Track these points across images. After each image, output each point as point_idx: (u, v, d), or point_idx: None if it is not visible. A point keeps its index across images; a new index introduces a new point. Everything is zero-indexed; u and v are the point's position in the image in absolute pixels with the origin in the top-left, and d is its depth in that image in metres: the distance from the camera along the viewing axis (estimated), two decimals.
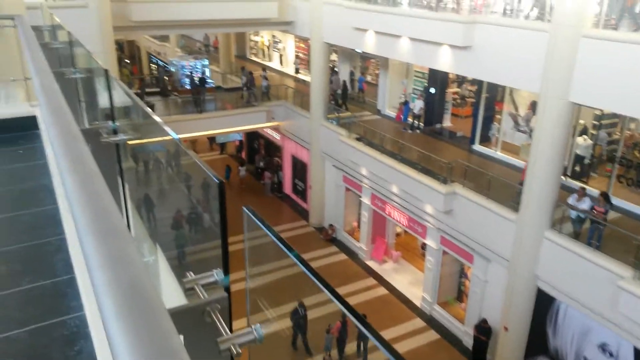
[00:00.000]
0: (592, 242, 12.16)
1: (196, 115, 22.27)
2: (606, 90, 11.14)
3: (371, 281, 19.47)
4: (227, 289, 1.44)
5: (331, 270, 19.56)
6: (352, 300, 16.09)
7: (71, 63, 4.81)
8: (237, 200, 23.60)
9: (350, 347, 15.09)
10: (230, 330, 1.33)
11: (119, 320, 0.81)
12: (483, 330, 14.84)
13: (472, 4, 15.41)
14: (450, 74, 20.69)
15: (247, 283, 1.71)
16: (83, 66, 4.62)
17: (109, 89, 3.06)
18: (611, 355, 12.21)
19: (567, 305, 12.99)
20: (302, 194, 25.12)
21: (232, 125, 23.61)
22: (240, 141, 30.84)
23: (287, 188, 26.56)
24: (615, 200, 13.51)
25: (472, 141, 18.95)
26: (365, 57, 25.64)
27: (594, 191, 13.82)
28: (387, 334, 15.76)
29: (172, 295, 2.43)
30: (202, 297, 1.37)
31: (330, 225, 22.36)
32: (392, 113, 22.52)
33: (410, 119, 20.98)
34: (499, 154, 18.02)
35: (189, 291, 1.50)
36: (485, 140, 18.64)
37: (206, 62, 29.13)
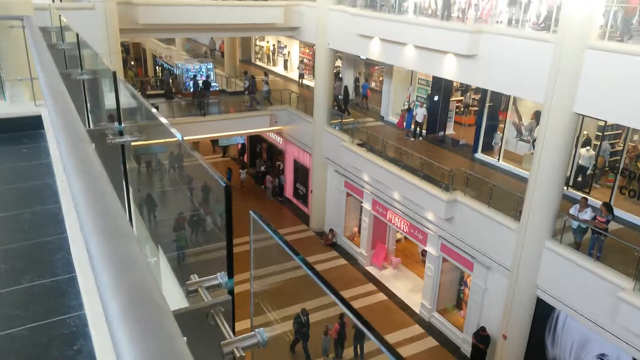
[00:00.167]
0: (593, 253, 12.15)
1: (200, 118, 22.33)
2: (610, 102, 11.15)
3: (370, 287, 19.44)
4: (231, 292, 1.44)
5: (331, 275, 19.53)
6: None
7: (78, 64, 4.83)
8: (239, 203, 23.64)
9: (348, 352, 15.07)
10: (234, 334, 1.33)
11: (124, 322, 0.81)
12: (482, 338, 14.79)
13: (477, 14, 15.45)
14: (455, 82, 20.72)
15: (252, 286, 1.71)
16: (90, 67, 4.64)
17: (115, 90, 3.08)
18: None
19: (566, 314, 12.95)
20: (303, 198, 25.12)
21: (235, 129, 23.67)
22: (243, 144, 30.88)
23: (289, 192, 26.57)
24: (616, 211, 13.48)
25: (474, 149, 18.96)
26: (369, 63, 25.70)
27: (595, 202, 13.80)
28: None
29: (172, 297, 2.44)
30: (205, 299, 1.37)
31: (331, 230, 22.35)
32: (395, 120, 22.54)
33: (412, 126, 21.00)
34: (501, 163, 18.01)
35: (191, 293, 1.50)
36: (488, 149, 18.64)
37: (211, 65, 29.20)
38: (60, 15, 6.59)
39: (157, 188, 3.36)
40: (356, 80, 26.59)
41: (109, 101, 3.50)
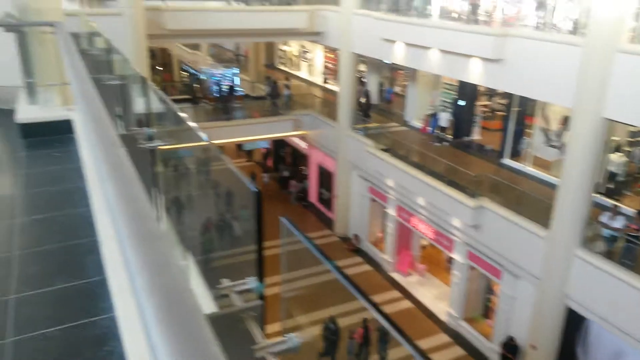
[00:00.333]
0: (625, 262, 11.80)
1: (225, 122, 22.57)
2: None
3: (396, 293, 19.26)
4: (262, 297, 1.44)
5: (355, 281, 19.44)
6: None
7: (108, 69, 4.93)
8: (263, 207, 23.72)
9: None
10: (264, 338, 1.33)
11: (161, 325, 0.81)
12: (510, 348, 14.52)
13: (504, 17, 15.24)
14: (480, 86, 20.46)
15: (283, 290, 1.70)
16: (119, 73, 4.73)
17: (146, 95, 3.12)
18: None
19: (599, 325, 12.60)
20: (327, 203, 25.10)
21: (259, 133, 23.83)
22: (267, 149, 31.07)
23: (313, 197, 26.59)
24: None
25: (501, 155, 18.66)
26: (393, 68, 25.58)
27: (628, 210, 13.43)
28: None
29: (201, 301, 2.45)
30: (236, 303, 1.37)
31: (355, 236, 22.26)
32: (420, 124, 22.38)
33: (437, 131, 20.81)
34: (529, 169, 17.67)
35: (220, 297, 1.50)
36: (515, 154, 18.32)
37: (236, 70, 29.51)
38: (90, 21, 6.75)
39: (185, 192, 3.39)
40: (380, 84, 26.50)
41: (139, 106, 3.56)
